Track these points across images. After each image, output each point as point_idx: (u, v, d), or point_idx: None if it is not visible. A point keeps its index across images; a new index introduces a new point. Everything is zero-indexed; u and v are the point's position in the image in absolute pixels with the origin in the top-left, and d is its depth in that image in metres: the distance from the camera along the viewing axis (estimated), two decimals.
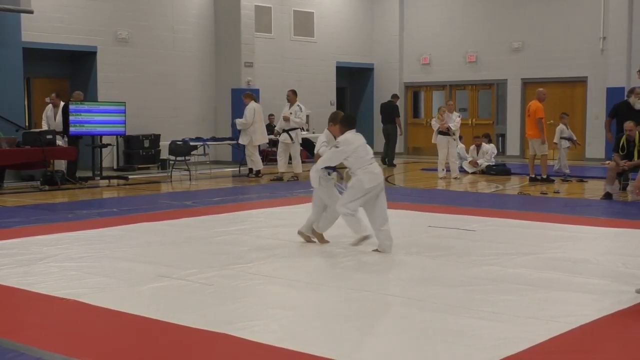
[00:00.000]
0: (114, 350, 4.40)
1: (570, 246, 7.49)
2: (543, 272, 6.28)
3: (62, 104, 14.38)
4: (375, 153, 8.11)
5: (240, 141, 15.57)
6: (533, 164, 14.53)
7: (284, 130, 15.12)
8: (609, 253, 7.21)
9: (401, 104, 22.51)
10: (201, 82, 18.83)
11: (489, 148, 16.44)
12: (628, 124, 11.85)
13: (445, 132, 15.17)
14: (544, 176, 14.15)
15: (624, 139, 11.77)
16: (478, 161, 16.20)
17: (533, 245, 7.51)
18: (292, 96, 15.24)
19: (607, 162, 13.88)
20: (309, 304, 5.50)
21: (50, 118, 14.41)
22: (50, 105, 14.52)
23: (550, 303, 5.30)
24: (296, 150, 14.94)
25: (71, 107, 14.35)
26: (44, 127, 14.38)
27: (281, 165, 14.93)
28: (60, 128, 14.12)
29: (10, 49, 14.96)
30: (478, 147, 16.39)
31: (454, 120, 15.33)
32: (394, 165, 18.70)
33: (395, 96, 19.95)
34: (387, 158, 18.91)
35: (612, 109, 13.31)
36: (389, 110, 19.42)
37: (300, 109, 15.09)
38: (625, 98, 13.23)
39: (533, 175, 14.36)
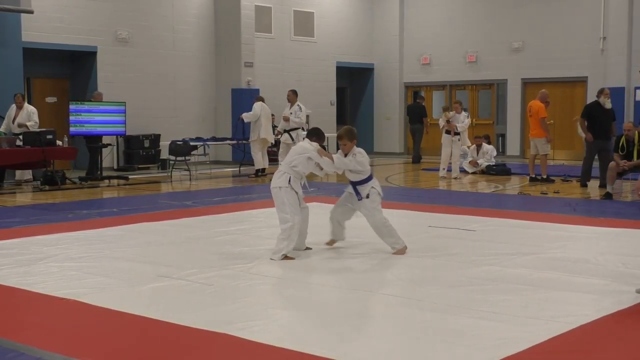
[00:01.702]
0: (114, 350, 4.40)
1: (570, 246, 7.49)
2: (543, 272, 6.27)
3: (26, 105, 14.12)
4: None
5: (250, 138, 15.50)
6: (533, 164, 14.54)
7: (285, 131, 15.14)
8: (609, 253, 7.19)
9: (401, 104, 22.57)
10: (201, 82, 18.83)
11: (489, 148, 16.43)
12: (627, 124, 11.92)
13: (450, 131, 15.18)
14: (544, 176, 14.15)
15: (623, 139, 11.79)
16: (478, 161, 16.19)
17: (533, 245, 7.50)
18: (292, 96, 15.26)
19: None
20: (309, 304, 5.50)
21: (10, 118, 14.06)
22: (13, 105, 14.11)
23: (550, 303, 5.30)
24: None
25: (71, 107, 14.36)
26: (3, 127, 14.01)
27: None
28: (17, 130, 13.74)
29: (10, 49, 14.95)
30: (478, 147, 16.38)
31: (462, 122, 15.31)
32: (420, 160, 19.70)
33: (421, 98, 21.13)
34: (415, 155, 19.81)
35: (585, 109, 13.39)
36: (417, 111, 20.21)
37: (300, 108, 15.11)
38: (596, 98, 13.41)
39: (533, 175, 14.36)
